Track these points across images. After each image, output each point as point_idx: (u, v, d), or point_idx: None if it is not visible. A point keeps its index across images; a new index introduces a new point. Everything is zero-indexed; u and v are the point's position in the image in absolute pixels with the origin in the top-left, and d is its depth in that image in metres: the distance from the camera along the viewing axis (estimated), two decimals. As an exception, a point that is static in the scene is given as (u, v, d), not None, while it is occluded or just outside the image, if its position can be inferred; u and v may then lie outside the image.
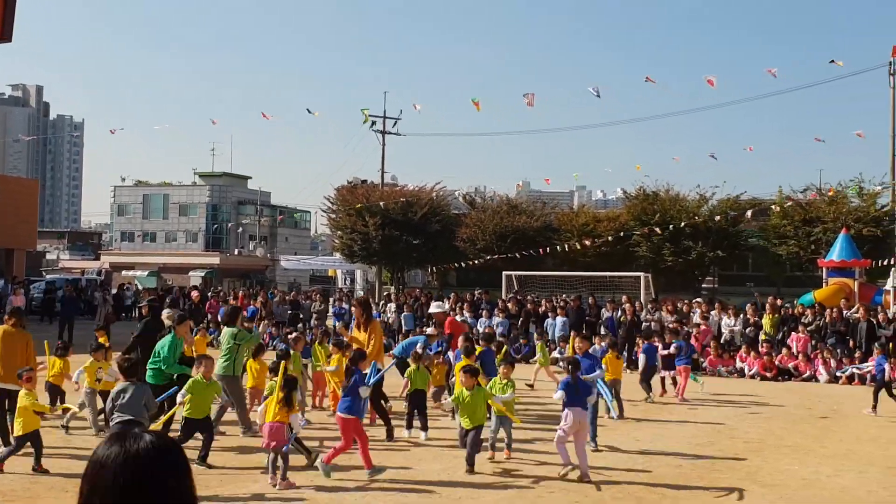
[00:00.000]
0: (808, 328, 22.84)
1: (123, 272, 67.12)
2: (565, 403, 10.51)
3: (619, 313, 25.39)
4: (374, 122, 52.90)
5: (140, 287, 45.24)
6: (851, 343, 22.29)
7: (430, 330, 16.54)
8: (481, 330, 21.49)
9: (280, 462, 9.69)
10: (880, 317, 22.62)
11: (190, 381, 10.88)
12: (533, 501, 9.31)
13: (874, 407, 15.96)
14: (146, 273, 67.73)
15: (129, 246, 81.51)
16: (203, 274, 65.20)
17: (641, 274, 31.90)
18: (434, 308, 18.23)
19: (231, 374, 12.69)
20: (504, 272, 34.03)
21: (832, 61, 30.49)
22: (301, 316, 29.78)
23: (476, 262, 41.53)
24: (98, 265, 70.47)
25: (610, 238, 39.25)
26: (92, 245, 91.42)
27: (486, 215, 45.15)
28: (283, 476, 9.61)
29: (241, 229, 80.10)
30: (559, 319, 25.66)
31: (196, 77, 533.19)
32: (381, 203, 45.84)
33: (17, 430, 10.18)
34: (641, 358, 18.00)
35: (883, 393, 16.08)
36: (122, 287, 41.56)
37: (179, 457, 2.24)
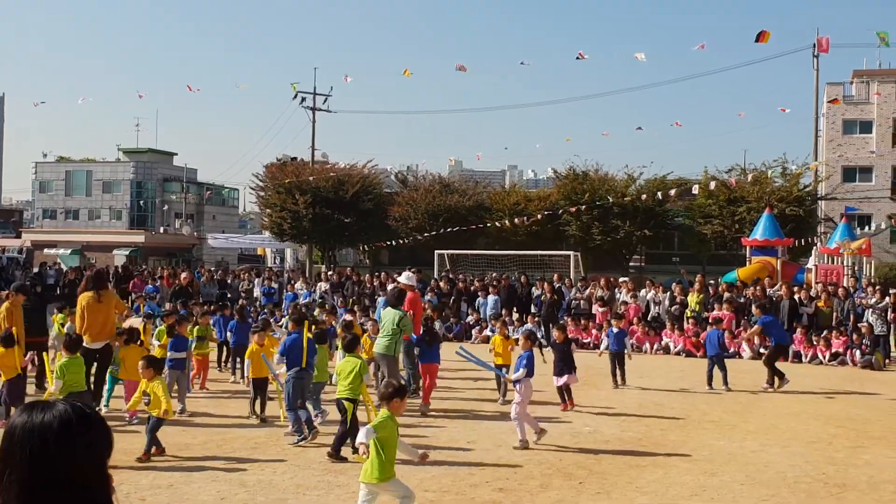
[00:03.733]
0: (733, 306, 23.25)
1: (45, 250, 65.27)
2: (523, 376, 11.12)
3: (541, 292, 25.42)
4: (303, 99, 52.27)
5: (64, 266, 44.05)
6: (774, 320, 22.76)
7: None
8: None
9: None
10: (802, 294, 23.14)
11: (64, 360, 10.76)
12: (463, 479, 9.30)
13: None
14: (69, 251, 65.97)
15: (52, 224, 79.33)
16: (128, 252, 63.79)
17: (571, 253, 32.19)
18: (403, 279, 17.83)
19: (392, 354, 13.07)
20: (436, 251, 34.01)
21: (759, 36, 30.34)
22: (229, 295, 29.30)
23: (408, 240, 41.46)
24: (19, 243, 68.35)
25: (540, 217, 39.50)
26: (13, 223, 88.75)
27: (419, 194, 45.05)
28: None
29: (166, 207, 78.55)
30: (490, 298, 25.73)
31: (120, 51, 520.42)
32: (311, 178, 45.39)
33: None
34: (605, 342, 16.94)
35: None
36: (44, 265, 40.45)
37: (93, 423, 2.25)
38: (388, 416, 6.96)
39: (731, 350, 21.88)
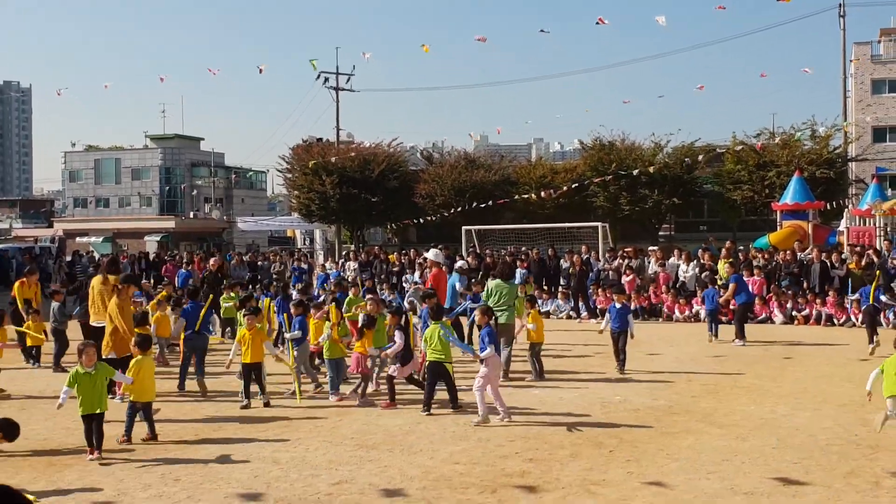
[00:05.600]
0: (763, 271, 23.09)
1: (77, 239, 66.09)
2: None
3: (569, 264, 25.24)
4: (326, 79, 52.38)
5: (96, 254, 44.52)
6: (805, 284, 22.59)
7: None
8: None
9: (362, 385, 12.14)
10: (833, 257, 22.92)
11: (71, 372, 9.44)
12: (493, 450, 9.35)
13: None
14: (101, 239, 66.74)
15: (83, 212, 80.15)
16: (159, 238, 64.38)
17: (599, 224, 32.00)
18: (430, 255, 18.29)
19: (512, 322, 14.01)
20: (463, 227, 33.97)
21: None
22: (259, 277, 29.47)
23: (435, 217, 41.45)
24: (51, 233, 69.21)
25: (567, 189, 39.34)
26: (44, 213, 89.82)
27: (444, 170, 45.03)
28: (362, 394, 12.08)
29: (195, 192, 79.07)
30: (518, 272, 25.66)
31: (142, 37, 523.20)
32: (335, 159, 45.50)
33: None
34: (606, 319, 15.09)
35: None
36: (76, 254, 40.90)
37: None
38: None
39: (763, 315, 21.77)
